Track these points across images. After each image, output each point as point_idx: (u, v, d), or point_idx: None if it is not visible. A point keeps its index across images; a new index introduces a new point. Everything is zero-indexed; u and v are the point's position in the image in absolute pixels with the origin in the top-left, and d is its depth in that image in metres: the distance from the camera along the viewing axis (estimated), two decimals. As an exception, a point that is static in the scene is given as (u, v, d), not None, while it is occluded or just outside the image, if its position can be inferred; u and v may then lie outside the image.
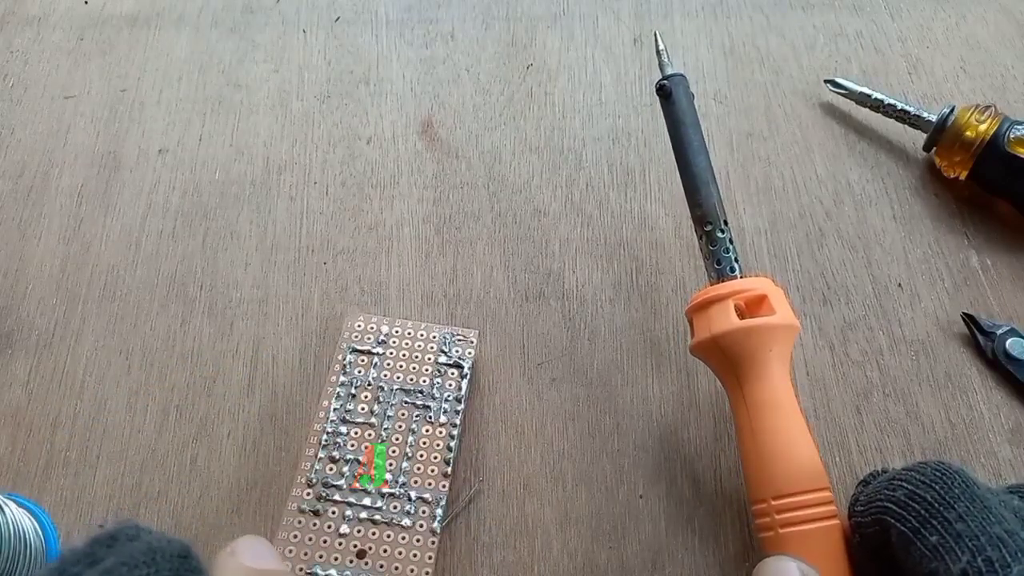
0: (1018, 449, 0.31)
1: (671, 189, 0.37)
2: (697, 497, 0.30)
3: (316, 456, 0.29)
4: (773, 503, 0.25)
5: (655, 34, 0.33)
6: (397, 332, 0.31)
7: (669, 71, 0.32)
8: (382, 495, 0.28)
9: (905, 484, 0.22)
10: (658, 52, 0.33)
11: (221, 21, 0.43)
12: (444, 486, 0.28)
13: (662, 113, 0.32)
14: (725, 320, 0.27)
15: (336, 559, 0.27)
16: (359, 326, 0.31)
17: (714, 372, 0.29)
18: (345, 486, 0.28)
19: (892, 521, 0.22)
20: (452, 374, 0.31)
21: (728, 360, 0.28)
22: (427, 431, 0.29)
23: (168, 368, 0.32)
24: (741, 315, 0.28)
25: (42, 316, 0.34)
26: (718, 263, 0.29)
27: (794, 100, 0.40)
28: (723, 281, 0.29)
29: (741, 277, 0.29)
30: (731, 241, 0.29)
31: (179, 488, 0.30)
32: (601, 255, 0.36)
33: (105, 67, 0.41)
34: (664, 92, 0.31)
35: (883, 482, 0.23)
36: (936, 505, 0.21)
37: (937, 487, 0.21)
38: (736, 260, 0.29)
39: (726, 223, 0.30)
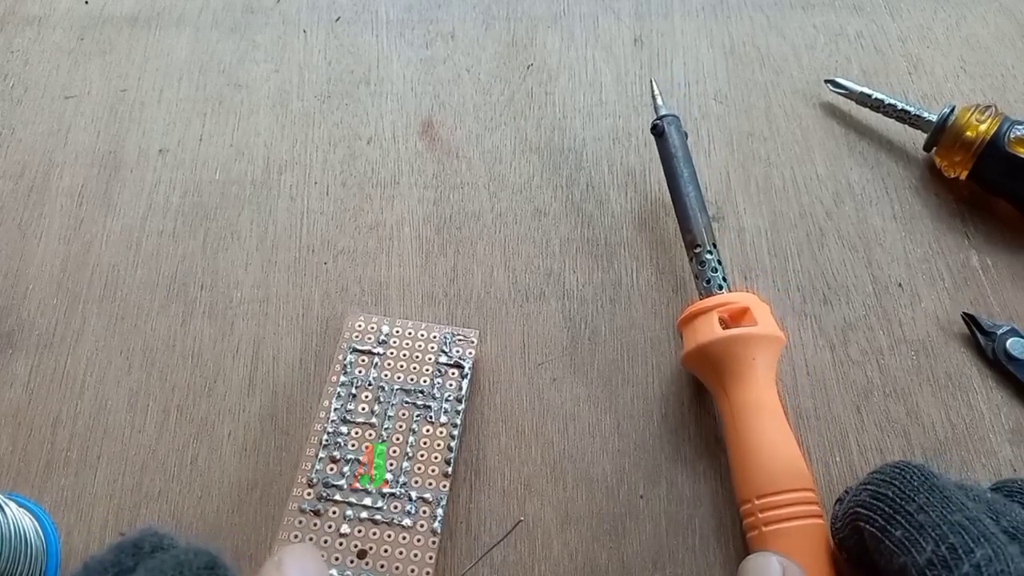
0: (1018, 449, 0.31)
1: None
2: (697, 497, 0.30)
3: (316, 456, 0.29)
4: (756, 502, 0.26)
5: (651, 81, 0.37)
6: (398, 332, 0.31)
7: (663, 112, 0.35)
8: (383, 495, 0.28)
9: (868, 486, 0.23)
10: (653, 96, 0.36)
11: (221, 21, 0.43)
12: (444, 486, 0.28)
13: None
14: (709, 330, 0.29)
15: (337, 559, 0.27)
16: (359, 326, 0.31)
17: (704, 382, 0.31)
18: (345, 486, 0.28)
19: (863, 524, 0.22)
20: (452, 374, 0.31)
21: (714, 368, 0.29)
22: (427, 431, 0.29)
23: (169, 368, 0.32)
24: (726, 326, 0.29)
25: (42, 316, 0.34)
26: (707, 282, 0.31)
27: (794, 100, 0.40)
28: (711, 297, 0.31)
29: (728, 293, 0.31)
30: (719, 262, 0.32)
31: (179, 488, 0.30)
32: (602, 255, 0.36)
33: (105, 67, 0.41)
34: (657, 131, 0.34)
35: (852, 492, 0.24)
36: (898, 500, 0.21)
37: (897, 483, 0.22)
38: (724, 279, 0.31)
39: (714, 246, 0.32)
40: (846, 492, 0.25)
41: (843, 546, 0.24)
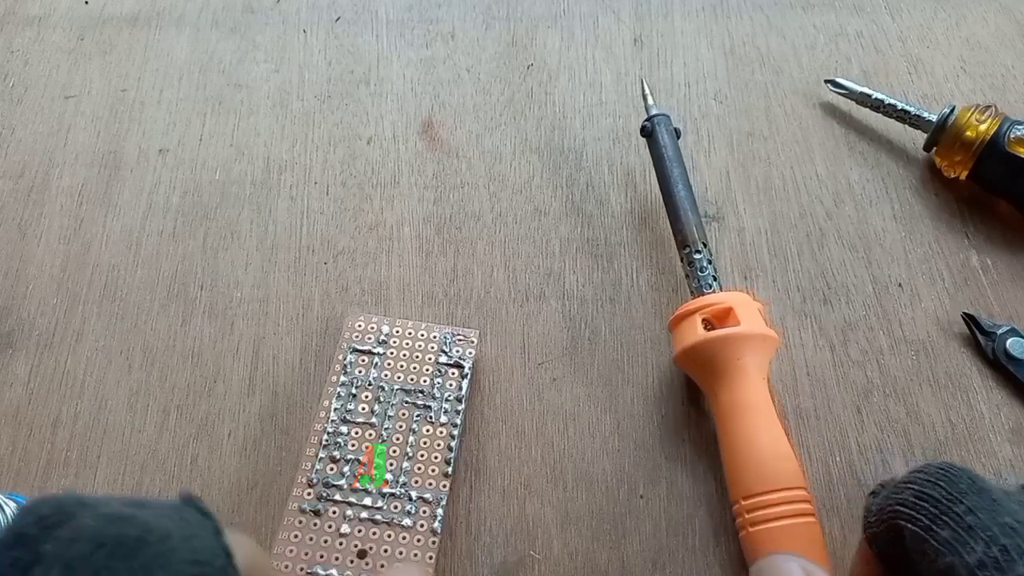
0: (1018, 449, 0.31)
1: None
2: (697, 497, 0.30)
3: (317, 456, 0.29)
4: (743, 503, 0.27)
5: (641, 80, 0.37)
6: (398, 332, 0.31)
7: (653, 112, 0.35)
8: (382, 495, 0.28)
9: (911, 485, 0.22)
10: (643, 96, 0.36)
11: (221, 21, 0.43)
12: (444, 486, 0.28)
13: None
14: (692, 333, 0.29)
15: (337, 559, 0.27)
16: (360, 326, 0.31)
17: (696, 382, 0.31)
18: (346, 486, 0.28)
19: (903, 523, 0.22)
20: (452, 374, 0.31)
21: (700, 369, 0.29)
22: (427, 431, 0.29)
23: (169, 368, 0.32)
24: (711, 327, 0.29)
25: (42, 316, 0.34)
26: (697, 281, 0.31)
27: (794, 100, 0.40)
28: (699, 297, 0.31)
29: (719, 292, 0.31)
30: (709, 261, 0.31)
31: (180, 488, 0.30)
32: (601, 255, 0.36)
33: (105, 67, 0.41)
34: (646, 132, 0.34)
35: (890, 488, 0.23)
36: (945, 501, 0.21)
37: (943, 484, 0.22)
38: (713, 278, 0.31)
39: (704, 245, 0.32)
40: (881, 486, 0.24)
41: (874, 541, 0.24)
